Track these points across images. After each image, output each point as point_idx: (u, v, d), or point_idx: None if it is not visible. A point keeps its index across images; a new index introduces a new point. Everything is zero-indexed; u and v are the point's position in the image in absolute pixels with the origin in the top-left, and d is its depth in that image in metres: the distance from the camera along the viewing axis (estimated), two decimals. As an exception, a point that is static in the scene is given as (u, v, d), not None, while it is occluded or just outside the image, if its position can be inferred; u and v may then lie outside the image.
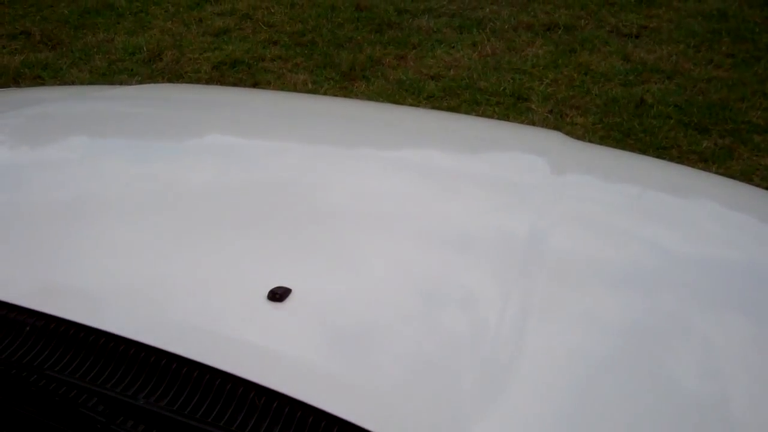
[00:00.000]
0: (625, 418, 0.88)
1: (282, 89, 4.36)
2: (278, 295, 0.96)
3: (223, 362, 0.86)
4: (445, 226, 1.21)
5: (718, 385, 0.96)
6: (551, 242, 1.19)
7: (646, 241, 1.29)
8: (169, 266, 1.04)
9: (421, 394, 0.86)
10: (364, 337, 0.94)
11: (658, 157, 3.46)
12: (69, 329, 0.91)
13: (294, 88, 4.41)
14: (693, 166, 3.26)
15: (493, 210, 1.29)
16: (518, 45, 4.86)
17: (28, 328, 0.91)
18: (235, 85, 4.46)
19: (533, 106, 4.16)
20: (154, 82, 4.42)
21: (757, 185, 2.24)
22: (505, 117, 4.06)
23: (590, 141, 3.65)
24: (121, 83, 4.37)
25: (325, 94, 4.30)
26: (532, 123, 3.96)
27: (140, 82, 4.41)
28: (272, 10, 5.42)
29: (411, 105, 4.11)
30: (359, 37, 5.00)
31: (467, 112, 4.06)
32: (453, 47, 4.85)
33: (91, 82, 4.49)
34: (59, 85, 4.40)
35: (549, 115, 4.07)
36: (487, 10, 5.34)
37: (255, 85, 4.46)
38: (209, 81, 4.54)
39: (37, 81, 4.52)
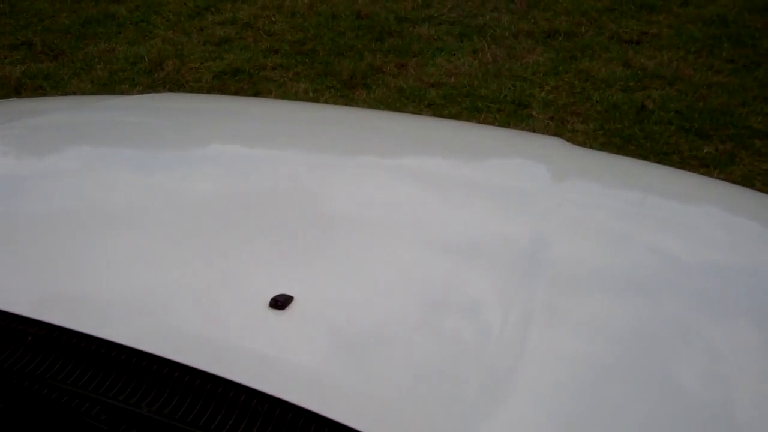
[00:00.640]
0: (630, 425, 0.88)
1: (283, 98, 4.36)
2: (280, 302, 0.96)
3: (225, 370, 0.86)
4: (447, 233, 1.21)
5: (722, 391, 0.96)
6: (553, 249, 1.19)
7: (648, 246, 1.29)
8: (171, 275, 1.04)
9: (424, 402, 0.86)
10: (366, 344, 0.94)
11: (660, 162, 3.46)
12: (71, 338, 0.91)
13: (295, 96, 4.41)
14: (694, 172, 3.26)
15: (496, 217, 1.29)
16: (519, 52, 4.87)
17: (30, 338, 0.91)
18: (236, 94, 4.47)
19: (534, 113, 4.16)
20: (156, 92, 4.42)
21: (759, 190, 2.25)
22: (506, 124, 4.06)
23: (591, 147, 3.65)
24: (122, 93, 4.37)
25: (326, 102, 4.30)
26: (533, 130, 3.97)
27: (141, 92, 4.42)
28: (273, 19, 5.43)
29: (412, 113, 4.11)
30: (360, 46, 5.00)
31: (468, 120, 4.06)
32: (453, 55, 4.85)
33: (92, 92, 4.49)
34: (61, 95, 4.41)
35: (550, 122, 4.07)
36: (488, 17, 5.35)
37: (256, 94, 4.47)
38: (210, 90, 4.55)
39: (39, 91, 4.53)
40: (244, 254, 1.10)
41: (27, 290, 1.00)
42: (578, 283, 1.12)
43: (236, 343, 0.91)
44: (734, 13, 5.30)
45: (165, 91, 4.45)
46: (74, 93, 4.46)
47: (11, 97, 4.31)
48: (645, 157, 3.67)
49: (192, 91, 4.53)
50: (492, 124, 4.02)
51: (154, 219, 1.19)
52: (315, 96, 4.42)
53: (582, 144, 3.71)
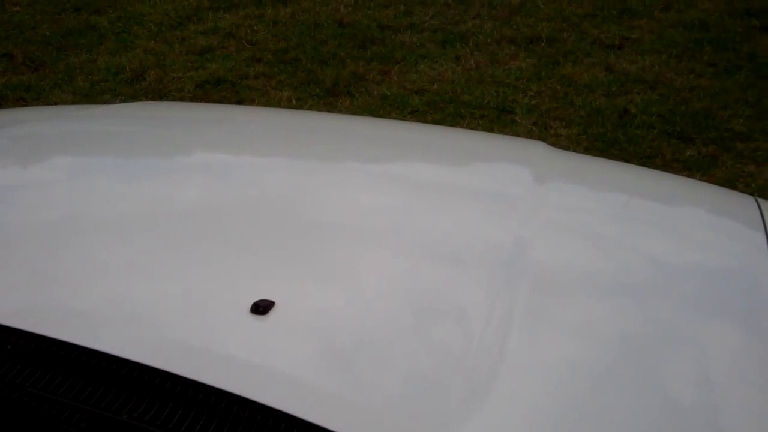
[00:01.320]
0: (616, 429, 0.87)
1: (266, 106, 4.36)
2: (261, 308, 0.95)
3: (206, 376, 0.85)
4: (430, 238, 1.20)
5: (708, 394, 0.96)
6: (537, 252, 1.19)
7: (631, 249, 1.29)
8: (151, 282, 1.03)
9: (407, 407, 0.86)
10: (348, 349, 0.94)
11: (643, 166, 3.47)
12: (50, 347, 0.90)
13: (278, 105, 4.41)
14: (677, 175, 3.27)
15: (479, 221, 1.29)
16: (501, 58, 4.88)
17: (9, 347, 0.90)
18: (219, 103, 4.46)
19: (517, 119, 4.17)
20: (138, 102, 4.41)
21: (741, 192, 2.25)
22: (489, 129, 4.06)
23: (574, 151, 3.66)
24: (104, 104, 4.35)
25: (309, 110, 4.29)
26: (517, 135, 3.97)
27: (124, 102, 4.40)
28: (255, 28, 5.42)
29: (395, 119, 4.11)
30: (342, 54, 5.00)
31: (451, 126, 4.06)
32: (436, 62, 4.86)
33: (74, 103, 4.47)
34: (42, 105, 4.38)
35: (533, 127, 4.08)
36: (470, 24, 5.36)
37: (239, 102, 4.46)
38: (193, 99, 4.54)
39: (20, 103, 4.51)
40: (225, 260, 1.09)
41: (8, 300, 0.99)
42: (562, 287, 1.12)
43: (217, 349, 0.91)
44: (715, 17, 5.33)
45: (147, 101, 4.43)
46: (56, 104, 4.44)
47: (-8, 109, 4.28)
48: (628, 160, 3.68)
49: (174, 100, 4.52)
50: (475, 129, 4.02)
51: (134, 226, 1.18)
52: (298, 104, 4.42)
53: (565, 148, 3.71)
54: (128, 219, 1.21)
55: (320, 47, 5.11)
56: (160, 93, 4.61)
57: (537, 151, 1.71)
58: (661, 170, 3.34)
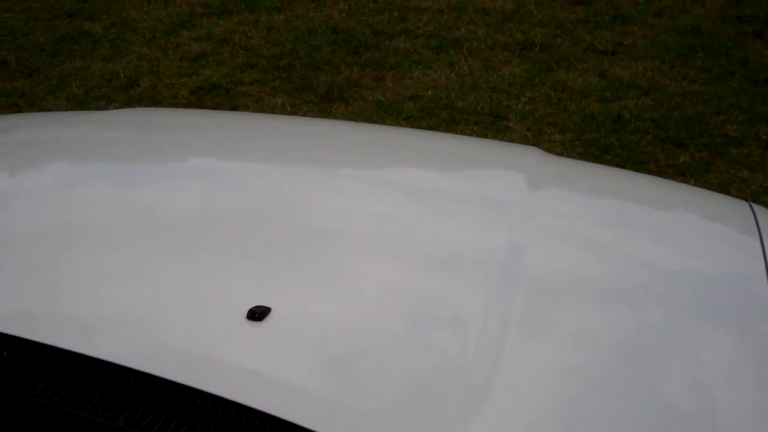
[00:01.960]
0: None
1: (261, 112, 4.36)
2: (257, 314, 0.95)
3: (202, 382, 0.85)
4: (425, 244, 1.20)
5: (701, 398, 0.96)
6: (532, 258, 1.19)
7: (626, 254, 1.29)
8: (147, 288, 1.03)
9: (404, 413, 0.86)
10: (344, 355, 0.94)
11: (637, 171, 3.48)
12: (47, 354, 0.90)
13: (272, 111, 4.40)
14: (671, 180, 3.27)
15: (474, 227, 1.29)
16: (495, 64, 4.89)
17: (5, 353, 0.90)
18: (213, 109, 4.45)
19: (511, 125, 4.17)
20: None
21: (735, 197, 2.26)
22: (483, 135, 4.07)
23: (568, 157, 3.66)
24: (99, 110, 4.35)
25: (303, 116, 4.30)
26: (511, 141, 3.98)
27: (118, 108, 4.40)
28: (249, 34, 5.42)
29: (390, 125, 4.11)
30: (337, 60, 5.01)
31: (446, 132, 4.06)
32: (430, 68, 4.87)
33: (68, 110, 4.47)
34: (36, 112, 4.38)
35: (527, 133, 4.08)
36: (464, 30, 5.37)
37: (233, 108, 4.46)
38: (187, 106, 4.54)
39: (14, 109, 4.50)
40: (221, 267, 1.09)
41: (3, 306, 0.99)
42: (558, 292, 1.12)
43: (214, 355, 0.91)
44: (708, 23, 5.35)
45: (141, 107, 4.43)
46: (50, 110, 4.43)
47: (-14, 116, 4.28)
48: (622, 166, 3.68)
49: (169, 107, 4.51)
50: (469, 135, 4.03)
51: (130, 233, 1.18)
52: (292, 110, 4.42)
53: (559, 154, 3.72)
54: (123, 225, 1.20)
55: (314, 53, 5.11)
56: (154, 99, 4.61)
57: (531, 156, 1.72)
58: (655, 176, 3.35)
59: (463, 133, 4.09)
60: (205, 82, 4.76)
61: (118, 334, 0.94)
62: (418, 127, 4.17)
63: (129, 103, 4.55)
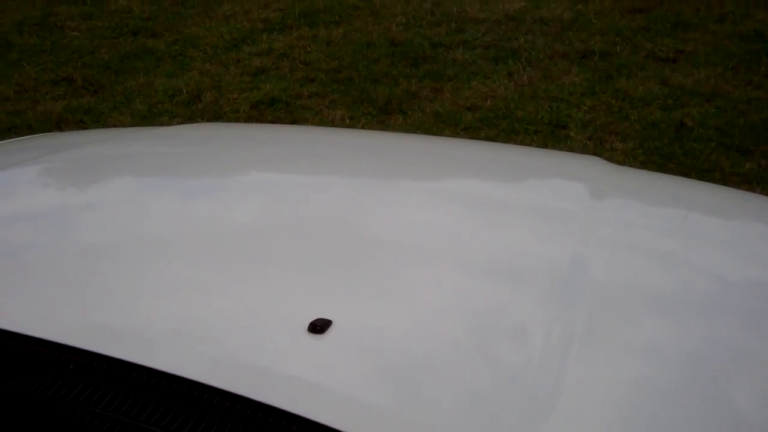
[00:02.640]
0: None
1: (320, 125, 4.39)
2: (318, 327, 0.95)
3: (263, 395, 0.86)
4: (487, 255, 1.20)
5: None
6: (597, 269, 1.18)
7: (692, 264, 1.27)
8: (210, 301, 1.04)
9: (467, 425, 0.85)
10: (406, 369, 0.93)
11: (701, 179, 3.42)
12: (112, 366, 0.91)
13: (331, 123, 4.43)
14: (737, 188, 3.21)
15: (537, 238, 1.28)
16: (554, 73, 4.86)
17: (72, 366, 0.92)
18: (273, 122, 4.50)
19: (572, 134, 4.14)
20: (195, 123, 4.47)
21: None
22: (543, 145, 4.04)
23: (631, 166, 3.61)
24: (161, 125, 4.42)
25: (362, 128, 4.31)
26: (572, 150, 3.94)
27: (181, 124, 4.47)
28: (309, 49, 5.47)
29: (448, 136, 4.11)
30: (395, 72, 5.02)
31: (505, 142, 4.05)
32: (489, 78, 4.85)
33: (132, 125, 4.55)
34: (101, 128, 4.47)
35: (588, 142, 4.04)
36: (522, 40, 5.35)
37: (293, 122, 4.50)
38: (248, 120, 4.59)
39: (80, 126, 4.60)
40: (282, 279, 1.10)
41: (69, 319, 1.01)
42: (623, 304, 1.10)
43: (275, 368, 0.91)
44: (772, 27, 5.25)
45: (204, 122, 4.49)
46: (115, 126, 4.52)
47: (53, 131, 4.38)
48: (686, 174, 3.63)
49: (230, 121, 4.57)
50: (530, 145, 4.01)
51: (194, 246, 1.19)
52: (351, 123, 4.44)
53: (621, 163, 3.68)
54: (186, 238, 1.22)
55: (373, 66, 5.13)
56: (216, 114, 4.67)
57: (593, 166, 1.70)
58: (720, 184, 3.29)
59: (523, 143, 4.07)
60: (265, 96, 4.81)
61: (181, 346, 0.95)
62: (477, 137, 4.16)
63: (191, 119, 4.62)
